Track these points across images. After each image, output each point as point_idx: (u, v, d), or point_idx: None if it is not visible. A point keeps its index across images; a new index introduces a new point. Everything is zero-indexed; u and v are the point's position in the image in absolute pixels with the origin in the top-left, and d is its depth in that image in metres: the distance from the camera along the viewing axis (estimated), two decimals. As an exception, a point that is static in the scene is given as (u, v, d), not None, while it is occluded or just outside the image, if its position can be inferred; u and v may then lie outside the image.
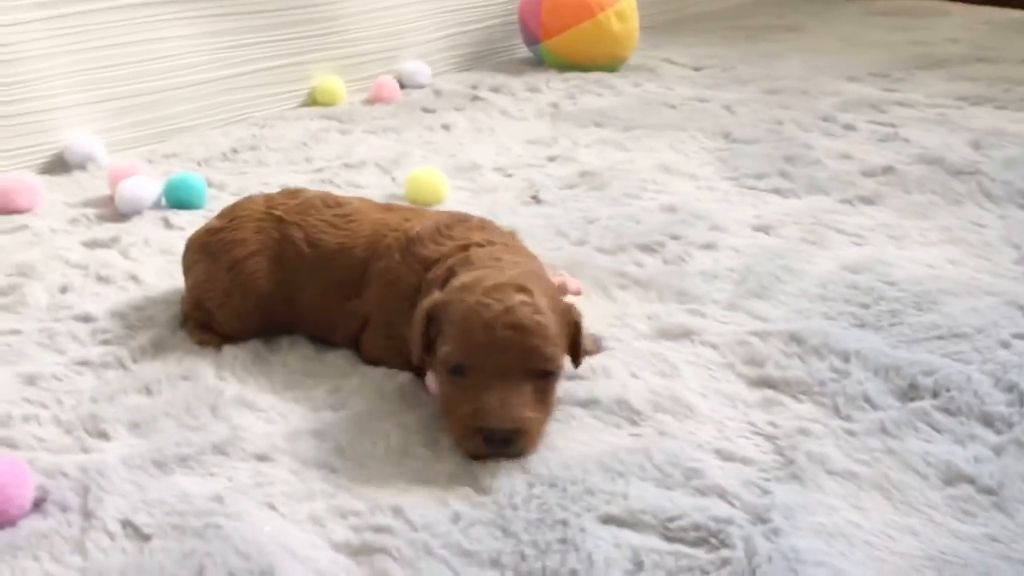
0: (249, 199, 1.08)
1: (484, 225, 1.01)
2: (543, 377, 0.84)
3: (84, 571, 0.69)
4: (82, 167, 1.57)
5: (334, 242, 1.01)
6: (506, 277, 0.86)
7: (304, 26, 1.94)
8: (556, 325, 0.85)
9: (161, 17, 1.70)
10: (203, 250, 1.04)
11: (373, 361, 0.99)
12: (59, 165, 1.58)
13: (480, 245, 0.95)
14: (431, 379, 0.91)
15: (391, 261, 0.98)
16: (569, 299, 0.95)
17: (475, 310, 0.83)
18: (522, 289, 0.85)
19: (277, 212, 1.03)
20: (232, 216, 1.05)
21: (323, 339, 1.03)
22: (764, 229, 1.33)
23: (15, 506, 0.74)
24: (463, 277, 0.88)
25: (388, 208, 1.06)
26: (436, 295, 0.88)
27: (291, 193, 1.07)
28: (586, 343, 0.95)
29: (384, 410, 0.90)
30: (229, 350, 1.00)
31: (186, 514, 0.75)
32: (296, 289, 1.02)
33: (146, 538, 0.73)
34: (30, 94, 1.54)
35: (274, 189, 1.40)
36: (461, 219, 1.01)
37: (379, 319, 0.98)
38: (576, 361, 0.92)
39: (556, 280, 0.98)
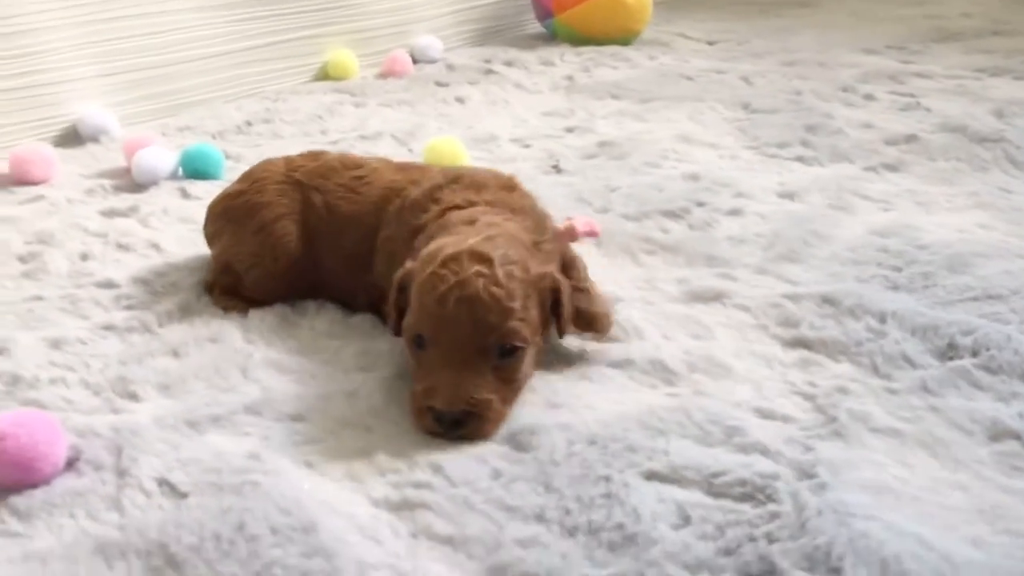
0: (268, 161, 1.07)
1: (479, 182, 0.95)
2: (505, 354, 0.79)
3: (122, 528, 0.68)
4: (95, 139, 1.55)
5: (348, 209, 0.99)
6: (465, 246, 0.81)
7: (316, 0, 1.92)
8: (521, 296, 0.80)
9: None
10: (226, 215, 1.03)
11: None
12: (72, 137, 1.57)
13: (460, 207, 0.91)
14: None
15: (391, 230, 0.96)
16: (582, 243, 0.91)
17: (430, 282, 0.80)
18: (480, 258, 0.80)
19: (297, 176, 1.02)
20: (253, 179, 1.03)
21: (347, 304, 1.01)
22: (789, 196, 1.31)
23: (49, 464, 0.72)
24: (430, 245, 0.84)
25: (402, 168, 1.03)
26: (407, 264, 0.85)
27: (312, 155, 1.06)
28: (595, 306, 0.91)
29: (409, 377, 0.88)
30: (255, 314, 0.99)
31: (222, 471, 0.74)
32: (319, 253, 1.00)
33: (183, 495, 0.72)
34: (42, 66, 1.53)
35: (291, 160, 1.39)
36: (457, 177, 0.96)
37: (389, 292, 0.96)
38: (560, 330, 0.86)
39: (565, 225, 0.93)
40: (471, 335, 0.78)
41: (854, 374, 0.88)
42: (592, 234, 1.08)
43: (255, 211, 1.00)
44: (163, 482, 0.73)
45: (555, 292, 0.84)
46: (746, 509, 0.70)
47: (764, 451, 0.77)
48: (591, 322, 0.90)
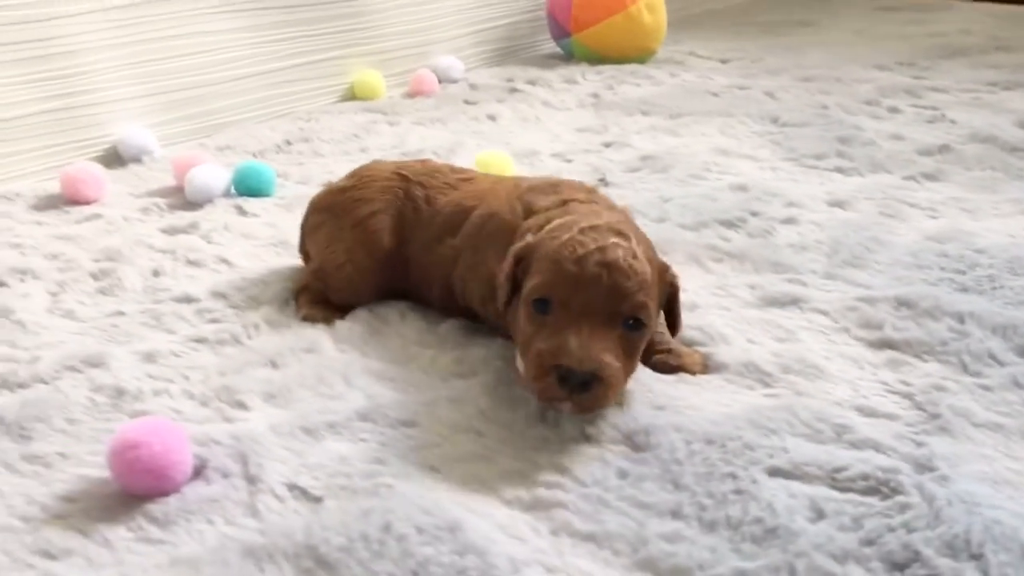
0: (377, 162, 1.10)
1: (592, 190, 0.98)
2: (632, 327, 0.79)
3: (263, 532, 0.68)
4: (137, 159, 1.55)
5: (447, 198, 1.01)
6: (603, 220, 0.83)
7: (341, 21, 1.94)
8: (652, 278, 0.81)
9: (206, 10, 1.69)
10: (328, 210, 1.04)
11: (459, 307, 0.98)
12: (113, 158, 1.56)
13: (581, 201, 0.93)
14: (520, 361, 0.86)
15: (494, 202, 0.97)
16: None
17: (567, 245, 0.80)
18: (619, 233, 0.81)
19: (404, 172, 1.04)
20: (360, 176, 1.06)
21: (424, 299, 1.02)
22: (839, 204, 1.34)
23: (180, 471, 0.72)
24: (555, 222, 0.85)
25: (499, 179, 1.06)
26: (528, 238, 0.85)
27: (421, 161, 1.10)
28: (691, 359, 0.93)
29: (512, 377, 0.89)
30: (342, 324, 0.99)
31: (352, 475, 0.74)
32: (408, 245, 1.02)
33: (316, 500, 0.72)
34: (84, 87, 1.53)
35: (338, 177, 1.41)
36: (573, 183, 0.99)
37: (468, 256, 0.96)
38: (673, 328, 0.88)
39: None
40: (606, 299, 0.78)
41: (945, 372, 0.90)
42: None
43: (356, 206, 1.02)
44: (293, 487, 0.73)
45: (673, 287, 0.85)
46: (874, 502, 0.71)
47: (877, 447, 0.78)
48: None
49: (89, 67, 1.52)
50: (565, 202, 0.92)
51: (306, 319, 1.01)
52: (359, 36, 1.98)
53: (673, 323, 0.87)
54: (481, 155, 1.43)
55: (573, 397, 0.76)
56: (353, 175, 1.07)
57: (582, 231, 0.81)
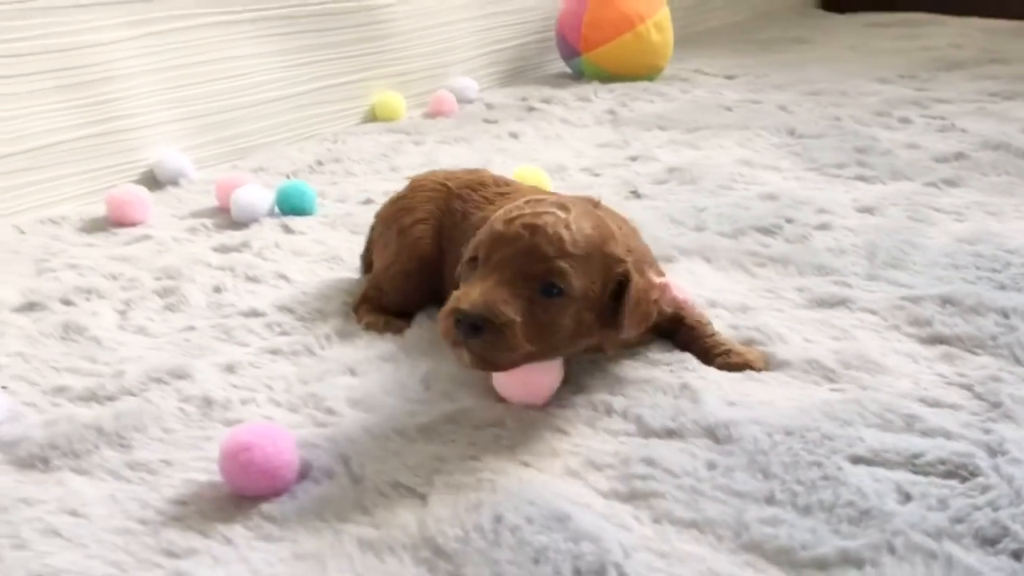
0: (432, 172, 1.14)
1: (598, 204, 0.95)
2: (548, 292, 0.80)
3: (378, 526, 0.71)
4: (174, 182, 1.58)
5: (478, 216, 1.04)
6: (556, 198, 0.85)
7: (363, 44, 1.98)
8: (584, 252, 0.81)
9: (236, 35, 1.73)
10: (384, 219, 1.10)
11: None
12: (149, 181, 1.59)
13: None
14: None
15: None
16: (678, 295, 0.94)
17: (506, 211, 0.83)
18: (561, 206, 0.82)
19: (449, 184, 1.08)
20: (411, 186, 1.11)
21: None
22: (868, 211, 1.38)
23: (291, 472, 0.75)
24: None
25: (550, 193, 1.08)
26: None
27: (471, 170, 1.13)
28: (752, 356, 0.96)
29: (586, 381, 0.91)
30: (411, 334, 1.02)
31: (452, 472, 0.77)
32: (446, 256, 1.05)
33: (421, 496, 0.75)
34: (121, 112, 1.56)
35: (374, 195, 1.44)
36: (592, 201, 0.96)
37: None
38: (619, 326, 0.85)
39: (662, 279, 0.93)
40: (523, 258, 0.79)
41: (999, 364, 0.94)
42: (681, 303, 0.97)
43: (403, 215, 1.07)
44: (397, 485, 0.76)
45: (623, 280, 0.84)
46: (955, 484, 0.75)
47: (947, 435, 0.81)
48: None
49: (125, 93, 1.55)
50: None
51: (368, 327, 1.04)
52: (380, 59, 2.02)
53: (618, 319, 0.85)
54: (518, 170, 1.47)
55: (468, 342, 0.78)
56: (408, 185, 1.12)
57: (527, 202, 0.84)
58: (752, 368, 0.94)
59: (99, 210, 1.43)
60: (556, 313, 0.81)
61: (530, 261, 0.79)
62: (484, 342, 0.78)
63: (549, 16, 2.42)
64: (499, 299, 0.78)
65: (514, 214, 0.82)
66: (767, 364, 0.96)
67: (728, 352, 0.96)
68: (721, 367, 0.94)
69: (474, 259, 0.83)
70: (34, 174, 1.44)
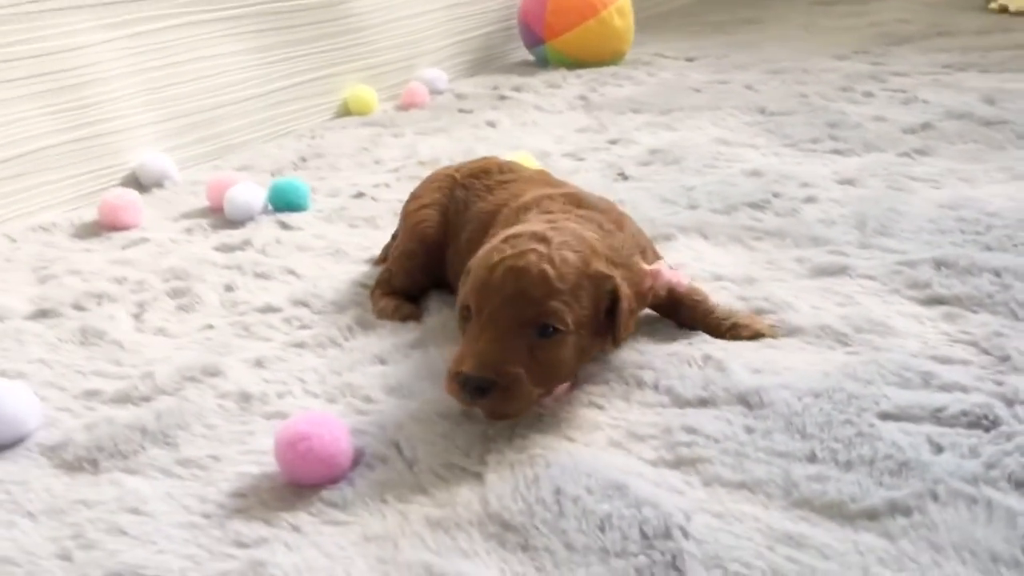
0: (448, 164, 1.17)
1: (582, 201, 0.97)
2: (543, 333, 0.79)
3: (441, 506, 0.73)
4: (159, 184, 1.57)
5: (477, 206, 1.06)
6: (533, 227, 0.84)
7: (333, 39, 1.98)
8: (572, 283, 0.81)
9: (210, 35, 1.72)
10: (402, 212, 1.14)
11: None
12: (132, 184, 1.57)
13: (548, 211, 0.93)
14: None
15: (499, 228, 0.99)
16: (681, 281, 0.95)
17: (487, 255, 0.82)
18: (539, 239, 0.81)
19: (455, 175, 1.11)
20: (426, 178, 1.15)
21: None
22: (849, 182, 1.43)
23: (347, 458, 0.77)
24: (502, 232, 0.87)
25: (547, 182, 1.09)
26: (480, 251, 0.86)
27: (480, 159, 1.15)
28: (760, 324, 0.98)
29: (613, 358, 0.94)
30: (433, 322, 1.04)
31: (503, 451, 0.79)
32: (450, 243, 1.08)
33: (477, 475, 0.77)
34: (103, 115, 1.54)
35: (364, 189, 1.46)
36: (573, 196, 0.98)
37: None
38: (615, 337, 0.86)
39: (652, 266, 0.93)
40: (512, 305, 0.79)
41: (999, 320, 0.99)
42: (676, 285, 0.97)
43: (412, 201, 1.12)
44: (451, 465, 0.78)
45: (613, 295, 0.84)
46: (980, 434, 0.79)
47: (963, 389, 0.86)
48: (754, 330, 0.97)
49: (105, 96, 1.54)
50: (528, 210, 0.94)
51: (380, 313, 1.06)
52: (350, 53, 2.02)
53: (615, 332, 0.86)
54: (509, 158, 1.48)
55: (477, 403, 0.79)
56: (426, 177, 1.15)
57: (505, 239, 0.83)
58: (764, 336, 0.97)
59: (88, 215, 1.42)
60: (556, 350, 0.81)
61: (521, 308, 0.79)
62: (494, 401, 0.78)
63: (511, 5, 2.44)
64: (499, 358, 0.78)
65: (496, 258, 0.81)
66: (775, 331, 0.99)
67: (736, 325, 0.99)
68: (734, 340, 0.97)
69: (467, 308, 0.83)
70: (19, 181, 1.42)
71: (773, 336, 0.98)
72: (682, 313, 1.01)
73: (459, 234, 1.07)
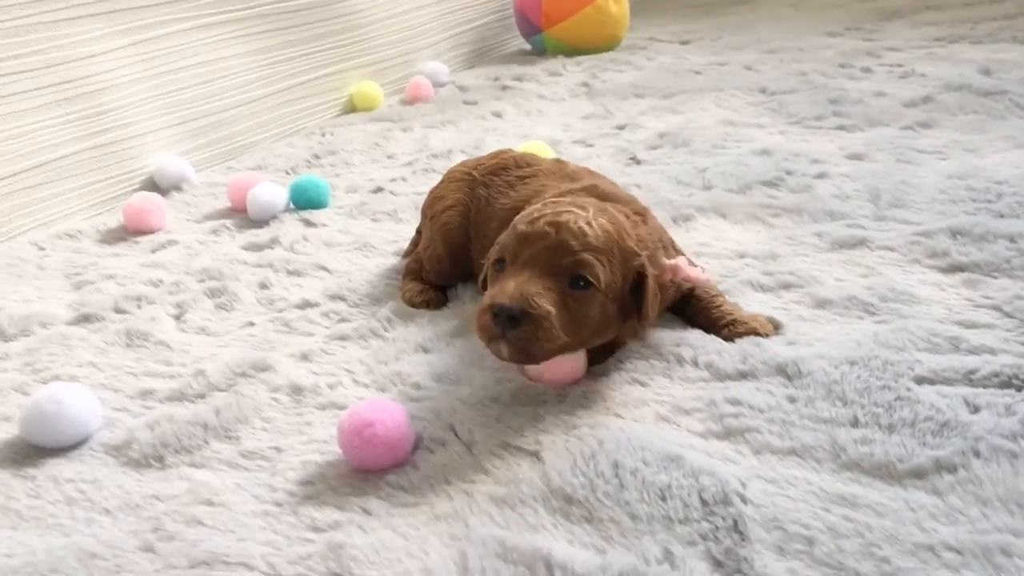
0: (464, 161, 1.18)
1: (606, 195, 0.98)
2: (576, 285, 0.83)
3: (502, 484, 0.76)
4: (177, 187, 1.59)
5: (500, 203, 1.09)
6: (571, 199, 0.89)
7: (337, 36, 2.00)
8: (606, 247, 0.84)
9: (217, 37, 1.74)
10: (424, 209, 1.16)
11: None
12: (151, 188, 1.59)
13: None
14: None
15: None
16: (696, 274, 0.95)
17: (528, 214, 0.87)
18: (581, 207, 0.86)
19: (474, 172, 1.13)
20: (445, 177, 1.16)
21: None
22: (857, 157, 1.46)
23: (410, 443, 0.79)
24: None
25: (566, 174, 1.10)
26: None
27: (495, 154, 1.16)
28: (758, 323, 0.98)
29: (649, 337, 0.97)
30: (466, 309, 1.07)
31: (556, 430, 0.82)
32: (474, 241, 1.10)
33: (534, 454, 0.79)
34: (120, 121, 1.56)
35: (382, 184, 1.48)
36: (595, 189, 1.00)
37: None
38: (640, 315, 0.88)
39: (671, 261, 0.94)
40: (551, 253, 0.82)
41: (1019, 285, 1.02)
42: (694, 280, 0.96)
43: (436, 203, 1.13)
44: (508, 446, 0.81)
45: (640, 275, 0.87)
46: (1013, 393, 0.82)
47: (991, 351, 0.89)
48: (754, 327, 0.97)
49: (119, 102, 1.55)
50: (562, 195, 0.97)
51: (405, 294, 1.10)
52: (353, 50, 2.04)
53: (640, 309, 0.88)
54: (523, 148, 1.51)
55: (507, 335, 0.81)
56: (443, 176, 1.17)
57: (545, 203, 0.88)
58: (759, 334, 0.96)
59: (112, 220, 1.44)
60: (586, 305, 0.84)
61: (558, 255, 0.83)
62: (523, 333, 0.80)
63: (505, -5, 2.46)
64: (534, 292, 0.81)
65: (536, 215, 0.86)
66: (773, 329, 0.99)
67: (733, 323, 0.98)
68: (727, 338, 0.96)
69: (500, 260, 0.86)
70: (41, 190, 1.44)
71: (768, 335, 0.97)
72: (689, 307, 1.01)
73: (483, 232, 1.09)
